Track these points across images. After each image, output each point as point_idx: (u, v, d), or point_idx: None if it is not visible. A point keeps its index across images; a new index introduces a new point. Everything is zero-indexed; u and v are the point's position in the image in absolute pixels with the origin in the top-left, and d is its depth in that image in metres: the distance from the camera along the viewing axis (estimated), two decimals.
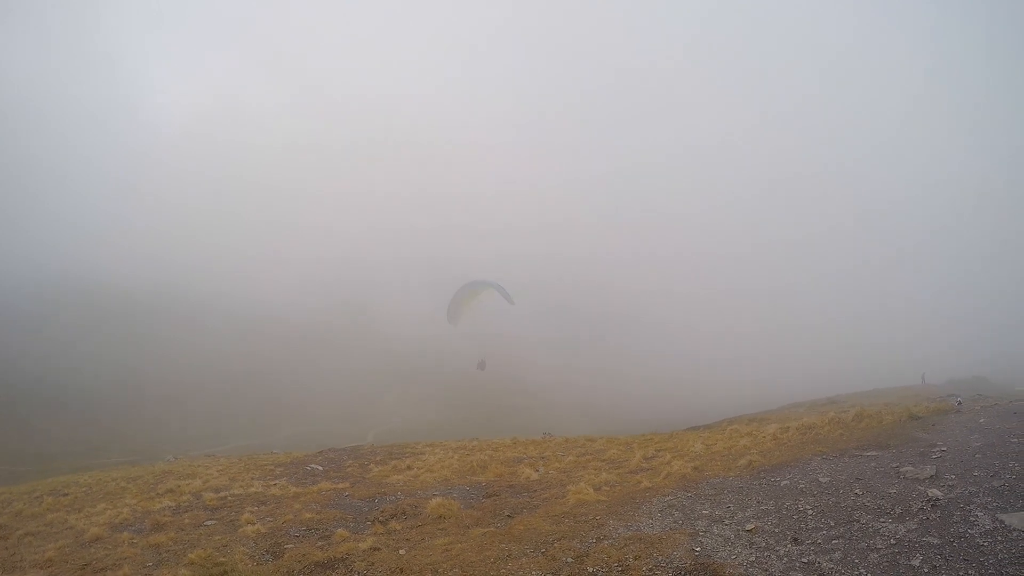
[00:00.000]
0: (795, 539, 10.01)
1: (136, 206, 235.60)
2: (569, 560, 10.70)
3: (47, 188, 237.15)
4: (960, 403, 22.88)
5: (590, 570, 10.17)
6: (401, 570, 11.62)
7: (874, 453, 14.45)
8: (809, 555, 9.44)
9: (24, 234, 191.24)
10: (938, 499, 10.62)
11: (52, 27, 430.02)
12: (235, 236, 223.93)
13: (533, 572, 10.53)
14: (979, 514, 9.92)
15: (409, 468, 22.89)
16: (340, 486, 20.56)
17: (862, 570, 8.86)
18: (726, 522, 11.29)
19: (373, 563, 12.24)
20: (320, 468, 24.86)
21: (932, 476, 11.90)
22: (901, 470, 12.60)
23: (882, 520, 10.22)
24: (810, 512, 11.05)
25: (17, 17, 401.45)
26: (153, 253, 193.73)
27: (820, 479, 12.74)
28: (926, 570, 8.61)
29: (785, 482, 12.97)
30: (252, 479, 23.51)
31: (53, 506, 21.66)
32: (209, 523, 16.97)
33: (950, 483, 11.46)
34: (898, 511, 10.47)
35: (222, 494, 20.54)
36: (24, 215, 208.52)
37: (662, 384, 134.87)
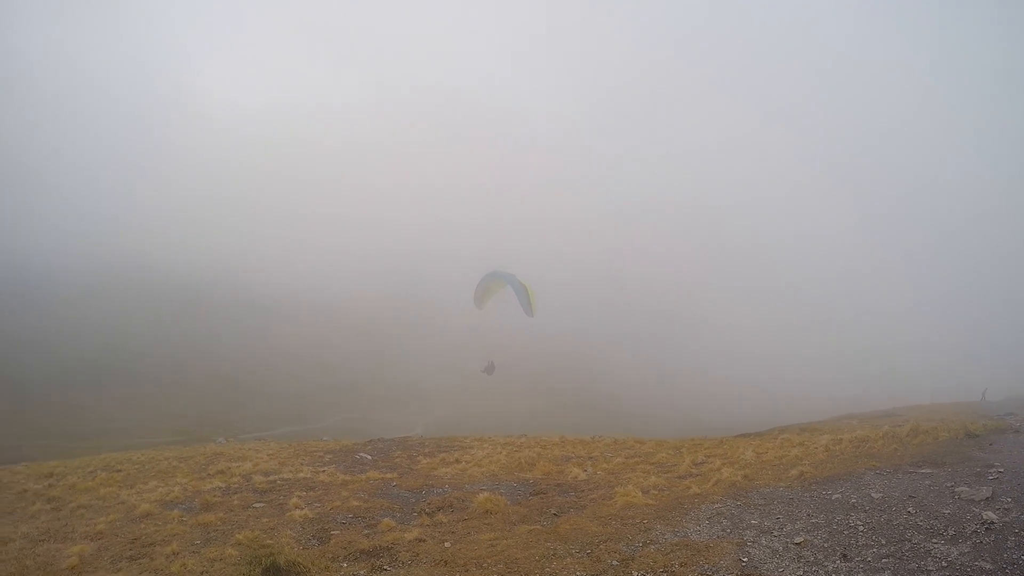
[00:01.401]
0: (844, 555, 9.88)
1: (191, 195, 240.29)
2: (614, 563, 10.70)
3: (105, 175, 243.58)
4: (1019, 421, 22.37)
5: (635, 574, 10.14)
6: (446, 562, 11.71)
7: (928, 471, 14.19)
8: (858, 573, 9.29)
9: (83, 220, 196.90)
10: (993, 522, 10.40)
11: (111, 16, 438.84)
12: (290, 228, 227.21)
13: (578, 573, 10.53)
14: None
15: (457, 462, 23.02)
16: (388, 476, 20.76)
17: None
18: (775, 533, 11.17)
19: (418, 554, 12.35)
20: (369, 457, 25.10)
21: (987, 498, 11.65)
22: (956, 490, 12.35)
23: (934, 541, 10.04)
24: (861, 528, 10.88)
25: (77, 9, 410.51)
26: (210, 243, 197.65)
27: (872, 495, 12.55)
28: None
29: (837, 496, 12.78)
30: (301, 464, 23.84)
31: (106, 481, 22.11)
32: (257, 505, 17.27)
33: (1006, 506, 11.20)
34: (951, 533, 10.28)
35: (271, 478, 20.90)
36: (81, 201, 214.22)
37: (712, 388, 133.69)
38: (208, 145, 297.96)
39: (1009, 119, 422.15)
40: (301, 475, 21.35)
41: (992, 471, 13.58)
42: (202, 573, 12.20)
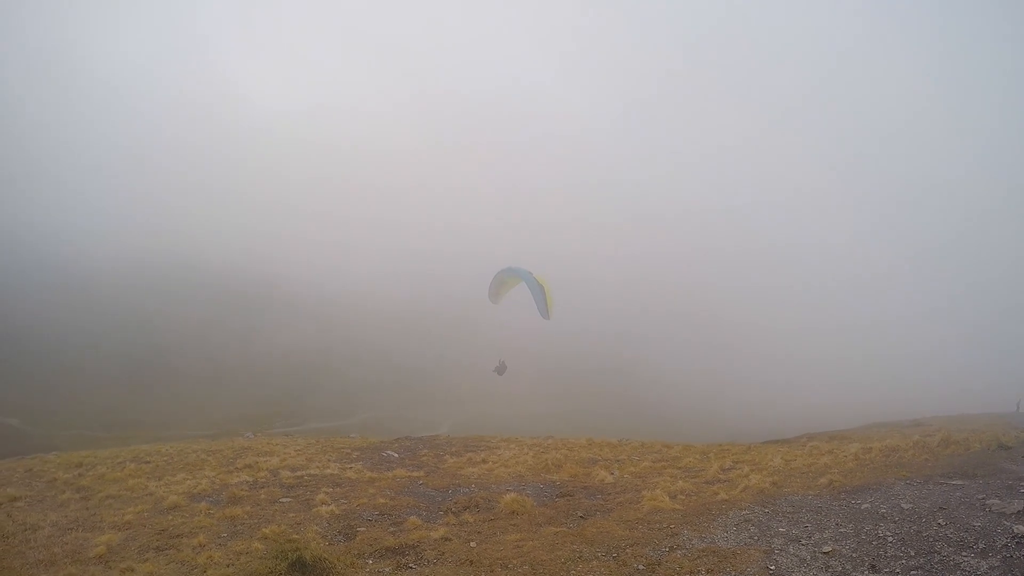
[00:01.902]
0: (873, 566, 9.82)
1: (229, 195, 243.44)
2: (640, 567, 10.70)
3: (147, 173, 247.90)
4: None
5: None
6: (471, 562, 11.75)
7: (959, 482, 14.06)
8: None
9: (126, 217, 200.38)
10: None
11: (151, 15, 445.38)
12: (328, 230, 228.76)
13: None
14: None
15: (484, 461, 23.00)
16: (415, 474, 20.82)
17: None
18: (803, 542, 11.11)
19: (443, 553, 12.41)
20: (396, 455, 25.16)
21: (1019, 511, 11.53)
22: (987, 502, 12.24)
23: (964, 554, 9.95)
24: (890, 539, 10.81)
25: (122, 8, 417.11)
26: (247, 243, 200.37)
27: (902, 505, 12.46)
28: None
29: (866, 505, 12.70)
30: (329, 461, 23.93)
31: (135, 472, 22.29)
32: (284, 500, 17.39)
33: None
34: (981, 546, 10.18)
35: (298, 473, 21.01)
36: (125, 198, 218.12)
37: (738, 393, 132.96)
38: (248, 147, 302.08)
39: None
40: (328, 471, 21.43)
41: None
42: (228, 566, 12.30)
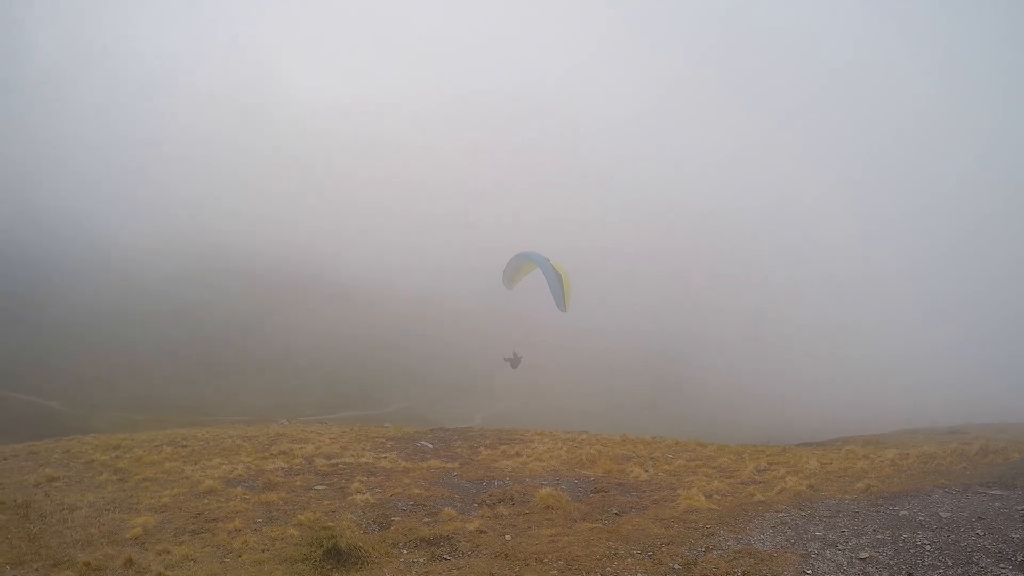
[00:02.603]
0: (910, 575, 9.81)
1: (272, 189, 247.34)
2: (676, 567, 10.73)
3: (200, 166, 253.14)
4: None
5: None
6: (506, 555, 11.84)
7: (998, 492, 13.91)
8: None
9: (173, 208, 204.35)
10: None
11: (188, 10, 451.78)
12: (360, 221, 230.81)
13: (638, 574, 10.59)
14: None
15: (518, 455, 23.07)
16: (449, 465, 20.94)
17: None
18: (839, 547, 11.06)
19: (478, 545, 12.52)
20: (430, 446, 25.29)
21: None
22: None
23: (1002, 566, 9.85)
24: (928, 548, 10.72)
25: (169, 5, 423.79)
26: (289, 235, 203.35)
27: (940, 513, 12.35)
28: None
29: (904, 512, 12.61)
30: (363, 450, 24.11)
31: (171, 456, 22.59)
32: (319, 488, 17.60)
33: None
34: (1020, 558, 10.06)
35: (333, 461, 21.24)
36: (174, 191, 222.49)
37: (772, 392, 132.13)
38: (298, 143, 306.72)
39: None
40: (363, 460, 21.60)
41: None
42: (263, 551, 12.52)
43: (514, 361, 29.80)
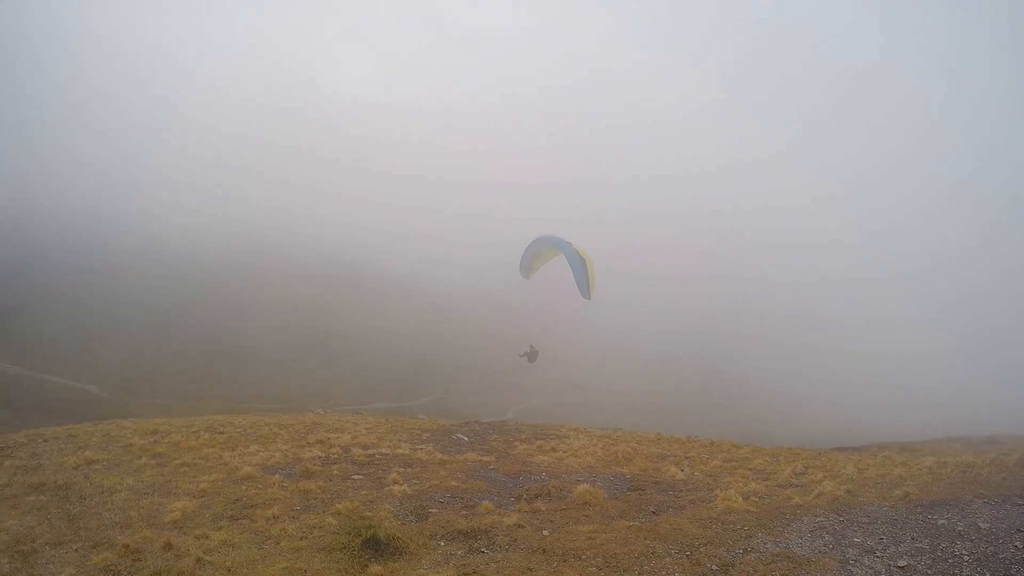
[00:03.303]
0: None
1: (310, 185, 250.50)
2: (714, 568, 10.84)
3: (239, 160, 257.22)
4: None
5: None
6: (544, 551, 11.98)
7: None
8: None
9: (212, 201, 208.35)
10: None
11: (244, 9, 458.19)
12: (402, 217, 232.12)
13: (676, 574, 10.73)
14: None
15: (554, 450, 23.03)
16: (485, 459, 20.97)
17: None
18: (878, 554, 11.09)
19: (516, 539, 12.65)
20: (466, 439, 25.23)
21: None
22: None
23: None
24: (966, 558, 10.72)
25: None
26: (328, 233, 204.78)
27: (979, 524, 12.29)
28: None
29: (942, 521, 12.57)
30: (399, 441, 24.09)
31: (209, 442, 22.70)
32: (356, 477, 17.72)
33: None
34: None
35: (370, 451, 21.25)
36: (216, 183, 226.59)
37: (805, 395, 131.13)
38: (334, 139, 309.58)
39: None
40: (399, 451, 21.61)
41: None
42: (301, 539, 12.72)
43: (531, 355, 28.78)
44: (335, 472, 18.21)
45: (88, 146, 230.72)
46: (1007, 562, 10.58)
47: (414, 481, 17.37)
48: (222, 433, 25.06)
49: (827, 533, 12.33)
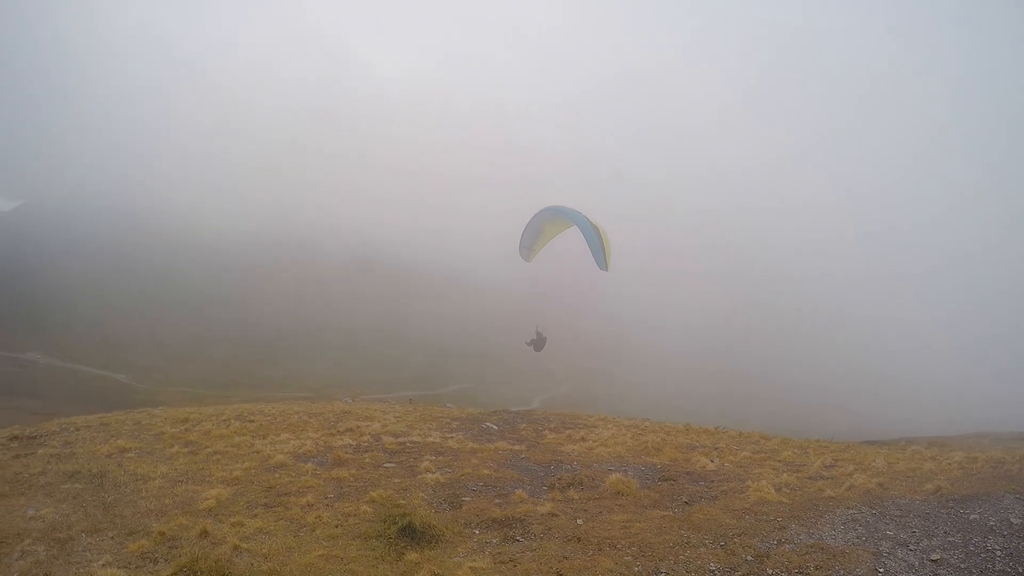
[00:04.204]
0: None
1: (347, 184, 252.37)
2: (748, 558, 10.96)
3: (279, 159, 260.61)
4: None
5: (769, 572, 10.38)
6: (579, 539, 12.13)
7: None
8: None
9: (251, 197, 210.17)
10: None
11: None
12: (430, 211, 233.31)
13: (711, 564, 10.84)
14: None
15: (583, 440, 23.11)
16: (516, 448, 21.14)
17: None
18: (911, 547, 11.16)
19: (550, 528, 12.81)
20: (495, 428, 25.36)
21: None
22: None
23: None
24: (999, 553, 10.75)
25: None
26: (357, 223, 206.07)
27: (1011, 519, 12.27)
28: None
29: (974, 516, 12.58)
30: (429, 429, 24.30)
31: (240, 430, 22.93)
32: (388, 465, 17.94)
33: None
34: None
35: (401, 439, 21.45)
36: (244, 179, 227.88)
37: (834, 389, 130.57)
38: (371, 140, 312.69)
39: None
40: (430, 440, 21.79)
41: None
42: (336, 526, 12.96)
43: (537, 343, 27.33)
44: (367, 460, 18.44)
45: (121, 142, 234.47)
46: None
47: (446, 469, 17.57)
48: (252, 421, 25.34)
49: (860, 525, 12.39)
